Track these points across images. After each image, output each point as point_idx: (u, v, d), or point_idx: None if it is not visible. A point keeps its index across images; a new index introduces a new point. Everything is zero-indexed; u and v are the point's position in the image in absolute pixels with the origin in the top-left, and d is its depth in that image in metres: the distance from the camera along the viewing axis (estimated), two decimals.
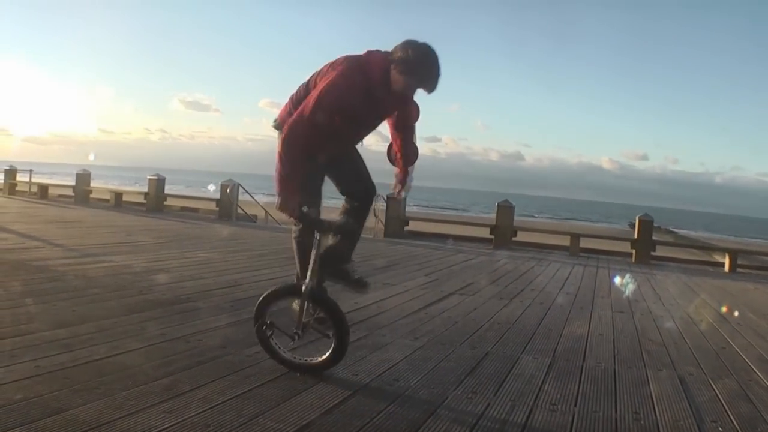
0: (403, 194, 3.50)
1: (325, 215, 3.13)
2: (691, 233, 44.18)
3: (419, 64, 2.87)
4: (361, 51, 3.03)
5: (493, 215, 13.33)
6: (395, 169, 3.42)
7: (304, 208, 2.92)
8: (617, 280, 8.13)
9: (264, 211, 14.76)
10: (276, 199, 2.89)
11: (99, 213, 12.74)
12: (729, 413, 2.95)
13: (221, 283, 5.35)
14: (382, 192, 12.60)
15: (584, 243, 12.91)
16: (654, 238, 12.75)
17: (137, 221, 11.41)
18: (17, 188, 17.23)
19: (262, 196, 17.66)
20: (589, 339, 4.39)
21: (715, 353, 4.28)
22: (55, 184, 18.95)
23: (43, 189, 16.70)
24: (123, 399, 2.44)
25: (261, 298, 2.98)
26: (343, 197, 3.33)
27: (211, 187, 15.84)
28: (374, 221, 13.20)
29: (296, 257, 3.24)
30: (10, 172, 17.37)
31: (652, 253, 12.21)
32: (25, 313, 3.75)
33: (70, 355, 2.95)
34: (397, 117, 3.23)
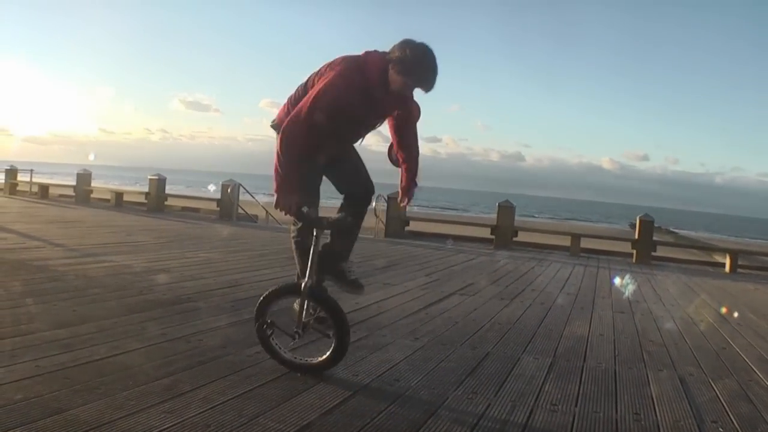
0: (409, 206, 3.49)
1: (323, 215, 3.13)
2: (692, 233, 44.16)
3: (416, 64, 2.88)
4: (360, 51, 3.04)
5: (494, 215, 13.33)
6: (400, 182, 3.41)
7: (304, 209, 2.92)
8: (617, 280, 8.13)
9: (265, 211, 14.76)
10: (274, 198, 2.91)
11: (100, 213, 12.75)
12: (729, 413, 2.95)
13: (222, 283, 5.35)
14: (382, 192, 12.62)
15: (585, 243, 12.92)
16: (654, 238, 12.75)
17: (138, 221, 11.41)
18: (18, 188, 17.24)
19: (263, 196, 17.66)
20: (589, 339, 4.39)
21: (715, 354, 4.28)
22: (56, 184, 18.95)
23: (44, 189, 16.72)
24: (123, 399, 2.44)
25: (261, 298, 2.99)
26: (342, 197, 3.34)
27: (212, 188, 15.85)
28: (375, 221, 13.20)
29: (296, 257, 3.25)
30: (11, 172, 17.38)
31: (653, 254, 12.21)
32: (25, 313, 3.75)
33: (71, 355, 2.95)
34: (398, 117, 3.23)
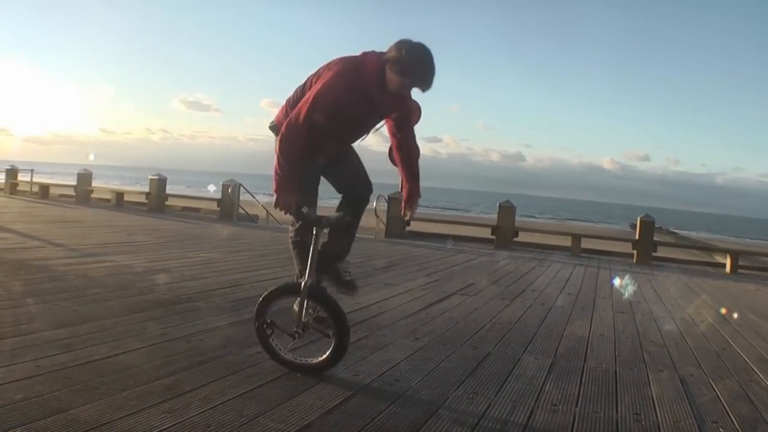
0: (411, 217, 3.49)
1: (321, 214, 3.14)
2: (693, 234, 44.15)
3: (413, 63, 2.88)
4: (358, 52, 3.04)
5: (494, 216, 13.32)
6: (402, 194, 3.40)
7: (304, 209, 2.93)
8: (617, 281, 8.12)
9: (265, 211, 14.77)
10: (274, 198, 2.92)
11: (100, 213, 12.75)
12: (730, 414, 2.94)
13: (222, 283, 5.35)
14: (383, 192, 12.61)
15: (585, 243, 12.91)
16: (655, 238, 12.75)
17: (138, 221, 11.41)
18: (18, 188, 17.25)
19: (263, 196, 17.66)
20: (590, 340, 4.39)
21: (716, 354, 4.28)
22: (57, 184, 18.96)
23: (45, 189, 16.72)
24: (124, 399, 2.44)
25: (261, 298, 2.99)
26: (341, 196, 3.35)
27: (212, 188, 15.86)
28: (375, 221, 13.20)
29: (294, 258, 3.26)
30: (12, 172, 17.39)
31: (654, 254, 12.21)
32: (25, 312, 3.75)
33: (71, 354, 2.95)
34: (396, 118, 3.22)
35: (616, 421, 2.73)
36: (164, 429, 2.20)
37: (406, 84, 2.95)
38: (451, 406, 2.74)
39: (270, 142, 3.14)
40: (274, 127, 3.14)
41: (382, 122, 3.23)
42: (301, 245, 3.12)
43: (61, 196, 16.69)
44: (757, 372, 3.83)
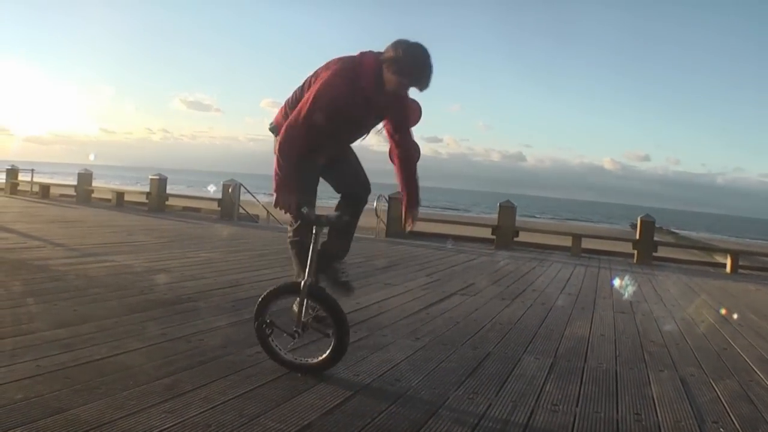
0: (412, 228, 3.47)
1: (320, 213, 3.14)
2: (693, 234, 44.14)
3: (410, 63, 2.89)
4: (357, 52, 3.05)
5: (495, 216, 13.32)
6: (402, 205, 3.40)
7: (304, 210, 2.94)
8: (616, 282, 8.12)
9: (266, 211, 14.77)
10: (273, 197, 2.93)
11: (100, 213, 12.75)
12: (730, 414, 2.94)
13: (222, 283, 5.35)
14: (383, 192, 12.61)
15: (586, 243, 12.91)
16: (655, 238, 12.74)
17: (139, 221, 11.41)
18: (19, 188, 17.25)
19: (264, 196, 17.67)
20: (590, 340, 4.38)
21: (716, 354, 4.27)
22: (57, 184, 18.97)
23: (45, 189, 16.72)
24: (124, 399, 2.44)
25: (261, 298, 2.99)
26: (339, 196, 3.35)
27: (212, 188, 15.86)
28: (376, 221, 13.20)
29: (293, 258, 3.27)
30: (12, 172, 17.39)
31: (654, 254, 12.20)
32: (26, 312, 3.75)
33: (71, 354, 2.95)
34: (395, 118, 3.21)
35: (617, 421, 2.73)
36: (165, 429, 2.20)
37: (403, 84, 2.95)
38: (451, 406, 2.74)
39: (271, 142, 3.15)
40: (274, 129, 3.16)
41: (382, 123, 3.23)
42: (300, 245, 3.12)
43: (62, 196, 16.71)
44: (758, 372, 3.83)
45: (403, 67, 2.88)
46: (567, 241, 12.71)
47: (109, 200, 15.86)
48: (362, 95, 2.94)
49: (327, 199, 3.66)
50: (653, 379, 3.46)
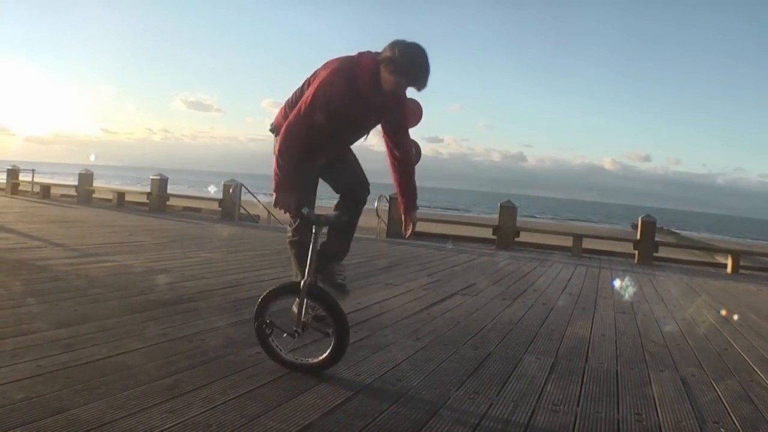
0: (411, 234, 3.46)
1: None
2: (694, 234, 44.13)
3: (407, 63, 2.89)
4: (355, 52, 3.05)
5: (496, 216, 13.31)
6: (400, 211, 3.39)
7: (304, 209, 2.94)
8: (617, 283, 8.11)
9: (266, 211, 14.77)
10: (273, 197, 2.93)
11: (101, 213, 12.76)
12: (731, 414, 2.94)
13: (223, 283, 5.35)
14: (384, 192, 12.61)
15: (586, 244, 12.90)
16: (656, 239, 12.73)
17: (139, 221, 11.42)
18: (19, 188, 17.27)
19: (264, 196, 17.67)
20: (591, 340, 4.38)
21: (717, 354, 4.27)
22: (58, 184, 18.99)
23: (46, 189, 16.74)
24: (125, 399, 2.44)
25: (260, 298, 2.99)
26: (338, 196, 3.35)
27: (212, 189, 15.86)
28: (377, 221, 13.20)
29: (292, 258, 3.26)
30: (13, 172, 17.40)
31: (655, 254, 12.19)
32: (26, 312, 3.75)
33: (72, 354, 2.95)
34: (392, 118, 3.20)
35: (618, 421, 2.73)
36: (165, 429, 2.20)
37: (400, 83, 2.95)
38: (452, 406, 2.74)
39: (271, 142, 3.15)
40: (274, 129, 3.17)
41: (380, 122, 3.23)
42: (299, 245, 3.12)
43: (62, 196, 16.72)
44: (758, 372, 3.83)
45: (400, 67, 2.88)
46: (568, 242, 12.71)
47: (109, 200, 15.87)
48: (359, 95, 2.94)
49: (327, 199, 3.66)
50: (654, 380, 3.45)
